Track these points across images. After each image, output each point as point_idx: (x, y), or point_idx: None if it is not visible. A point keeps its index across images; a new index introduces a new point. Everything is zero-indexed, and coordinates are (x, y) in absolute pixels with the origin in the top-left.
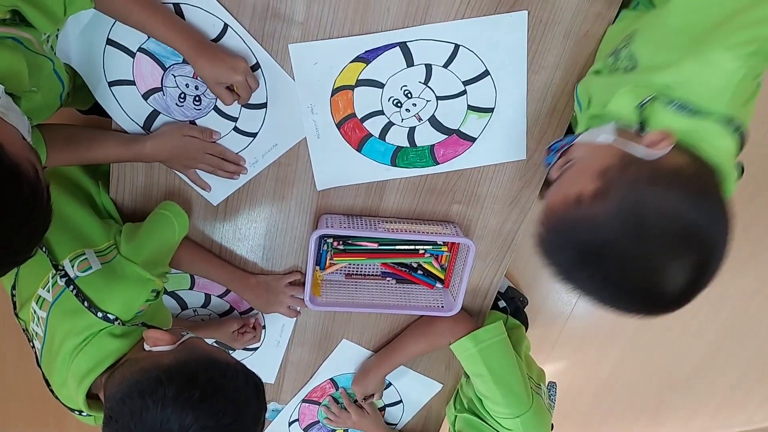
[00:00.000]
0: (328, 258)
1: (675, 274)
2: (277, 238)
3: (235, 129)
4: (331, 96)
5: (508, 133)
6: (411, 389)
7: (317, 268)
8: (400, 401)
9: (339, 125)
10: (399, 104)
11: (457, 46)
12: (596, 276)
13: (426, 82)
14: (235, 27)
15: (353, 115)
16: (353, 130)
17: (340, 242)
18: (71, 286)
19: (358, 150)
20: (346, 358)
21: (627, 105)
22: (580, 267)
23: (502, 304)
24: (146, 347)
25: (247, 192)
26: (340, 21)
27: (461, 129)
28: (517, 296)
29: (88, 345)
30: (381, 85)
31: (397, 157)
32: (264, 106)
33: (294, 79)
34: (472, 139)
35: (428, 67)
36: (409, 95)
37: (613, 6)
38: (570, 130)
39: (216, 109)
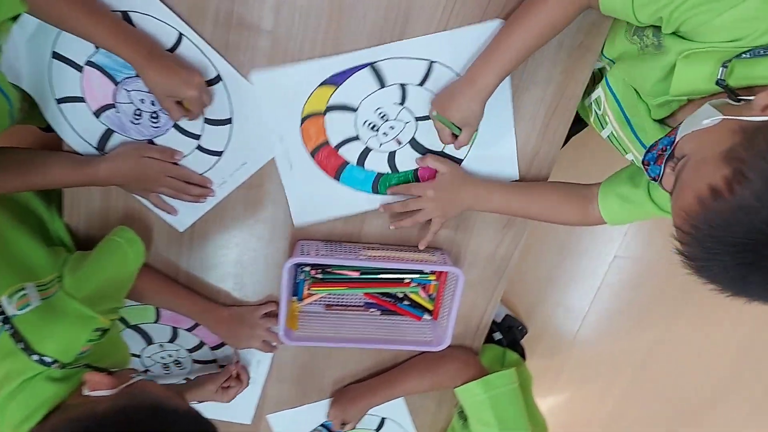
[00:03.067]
0: (305, 288)
1: None
2: (249, 266)
3: (199, 148)
4: (301, 124)
5: (497, 152)
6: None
7: (294, 298)
8: None
9: (312, 154)
10: (375, 128)
11: (431, 63)
12: None
13: (402, 103)
14: (191, 37)
15: (326, 142)
16: (328, 159)
17: (319, 271)
18: (8, 325)
19: (336, 179)
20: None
21: (695, 78)
22: (753, 267)
23: (497, 336)
24: (84, 392)
25: (215, 216)
26: (313, 29)
27: (445, 150)
28: (515, 325)
29: (22, 392)
30: (353, 109)
31: (379, 184)
32: (229, 122)
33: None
34: (459, 161)
35: (403, 87)
36: (385, 118)
37: (606, 18)
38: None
39: (176, 126)
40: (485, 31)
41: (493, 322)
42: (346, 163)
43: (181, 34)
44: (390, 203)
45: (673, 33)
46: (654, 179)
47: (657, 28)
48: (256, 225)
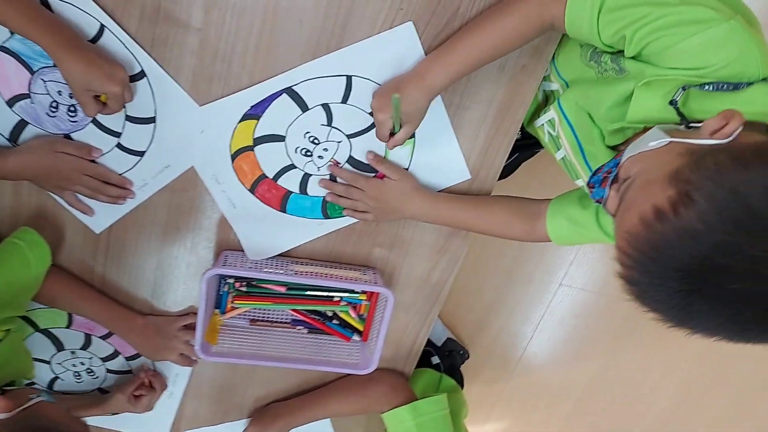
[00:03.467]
0: (229, 300)
1: None
2: (170, 273)
3: (119, 146)
4: (232, 162)
5: (443, 157)
6: None
7: (216, 311)
8: None
9: (252, 190)
10: (308, 153)
11: (349, 78)
12: (722, 297)
13: (329, 123)
14: (114, 29)
15: (264, 176)
16: (269, 192)
17: (244, 283)
18: None
19: (283, 210)
20: None
21: (652, 105)
22: (697, 295)
23: (435, 360)
24: None
25: (135, 219)
26: (246, 29)
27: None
28: (457, 349)
29: None
30: (281, 138)
31: (327, 208)
32: (152, 120)
33: (185, 91)
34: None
35: (326, 107)
36: (315, 141)
37: (552, 42)
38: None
39: (96, 122)
40: (398, 36)
41: (433, 345)
42: (289, 192)
43: (102, 26)
44: (330, 180)
45: (634, 57)
46: (598, 201)
47: (615, 54)
48: (178, 232)
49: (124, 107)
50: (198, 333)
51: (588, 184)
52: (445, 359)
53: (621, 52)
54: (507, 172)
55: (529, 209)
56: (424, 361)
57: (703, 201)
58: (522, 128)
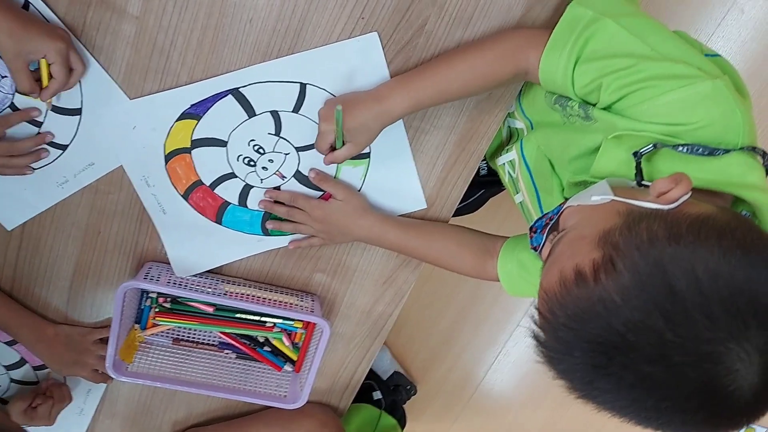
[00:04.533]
0: (150, 316)
1: (743, 359)
2: (88, 281)
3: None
4: (166, 163)
5: (398, 182)
6: None
7: (137, 326)
8: None
9: (186, 196)
10: (252, 163)
11: (303, 86)
12: (626, 379)
13: (278, 133)
14: (39, 7)
15: (200, 182)
16: (205, 200)
17: (168, 299)
18: None
19: (218, 222)
20: None
21: (622, 162)
22: (602, 372)
23: (377, 395)
24: None
25: (52, 218)
26: (188, 24)
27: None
28: (404, 384)
29: None
30: (223, 143)
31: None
32: (78, 112)
33: (116, 83)
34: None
35: (275, 115)
36: (261, 151)
37: None
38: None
39: (13, 107)
40: (361, 46)
41: (378, 378)
42: (227, 203)
43: (27, 2)
44: (271, 201)
45: (606, 108)
46: (534, 249)
47: (585, 103)
48: (99, 237)
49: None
50: (110, 349)
51: (531, 228)
52: (389, 395)
53: (591, 104)
54: (472, 207)
55: (484, 245)
56: (364, 396)
57: (626, 271)
58: (488, 164)
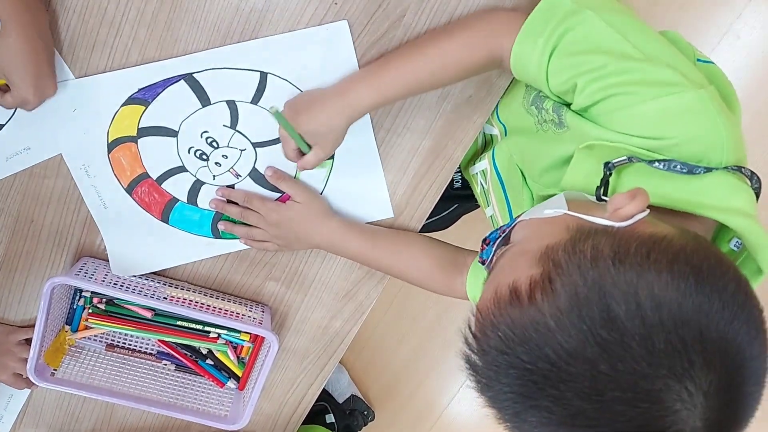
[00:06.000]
0: (83, 317)
1: (684, 399)
2: (16, 274)
3: None
4: (109, 152)
5: (364, 187)
6: None
7: (67, 328)
8: None
9: (129, 190)
10: (204, 157)
11: (264, 75)
12: (555, 413)
13: (233, 126)
14: None
15: (146, 175)
16: (150, 195)
17: (103, 300)
18: None
19: (164, 221)
20: None
21: (593, 175)
22: (529, 403)
23: (330, 418)
24: None
25: None
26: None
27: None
28: (360, 409)
29: None
30: (173, 133)
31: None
32: None
33: (61, 57)
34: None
35: (231, 105)
36: (214, 144)
37: (505, 76)
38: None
39: None
40: (329, 35)
41: (333, 401)
42: (175, 200)
43: None
44: (223, 201)
45: (579, 113)
46: (482, 262)
47: (560, 104)
48: (32, 225)
49: None
50: (32, 350)
51: (484, 239)
52: (343, 419)
53: (566, 104)
54: (444, 223)
55: (455, 260)
56: (317, 418)
57: (563, 292)
58: (462, 176)
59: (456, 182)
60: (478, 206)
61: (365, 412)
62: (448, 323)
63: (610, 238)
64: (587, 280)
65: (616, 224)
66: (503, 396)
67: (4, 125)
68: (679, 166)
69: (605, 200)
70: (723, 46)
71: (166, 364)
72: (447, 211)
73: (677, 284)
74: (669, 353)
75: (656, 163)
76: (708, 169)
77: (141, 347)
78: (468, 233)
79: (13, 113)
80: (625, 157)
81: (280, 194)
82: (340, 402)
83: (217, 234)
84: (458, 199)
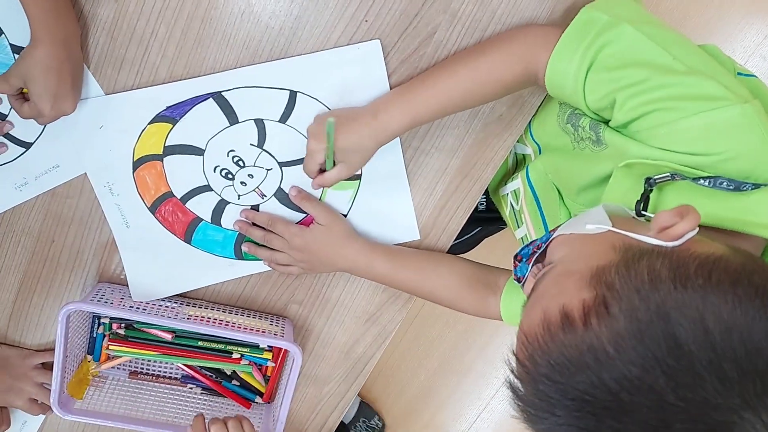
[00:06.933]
0: (104, 345)
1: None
2: (34, 297)
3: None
4: (134, 170)
5: (390, 208)
6: None
7: (89, 357)
8: None
9: (153, 209)
10: (230, 176)
11: (293, 93)
12: None
13: (260, 145)
14: None
15: (170, 194)
16: (174, 215)
17: (122, 325)
18: None
19: (187, 241)
20: None
21: (633, 194)
22: None
23: None
24: None
25: (1, 221)
26: (173, 12)
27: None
28: (368, 418)
29: None
30: (200, 152)
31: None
32: None
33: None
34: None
35: (260, 124)
36: (240, 164)
37: (537, 94)
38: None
39: None
40: (361, 54)
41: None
42: (199, 219)
43: None
44: (248, 223)
45: (619, 129)
46: (518, 280)
47: (597, 121)
48: (52, 246)
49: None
50: (54, 382)
51: (516, 255)
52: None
53: (604, 121)
54: (467, 246)
55: (486, 279)
56: None
57: (622, 317)
58: (488, 197)
59: (480, 204)
60: (501, 229)
61: (373, 421)
62: (464, 349)
63: (666, 259)
64: (648, 305)
65: (668, 244)
66: (557, 428)
67: (32, 143)
68: (725, 183)
69: (644, 215)
70: (749, 67)
71: (191, 388)
72: (470, 234)
73: (744, 308)
74: (742, 382)
75: (701, 180)
76: (756, 186)
77: (165, 372)
78: (488, 255)
79: (42, 131)
80: (668, 174)
81: (303, 216)
82: (346, 423)
83: (239, 255)
84: (481, 221)
